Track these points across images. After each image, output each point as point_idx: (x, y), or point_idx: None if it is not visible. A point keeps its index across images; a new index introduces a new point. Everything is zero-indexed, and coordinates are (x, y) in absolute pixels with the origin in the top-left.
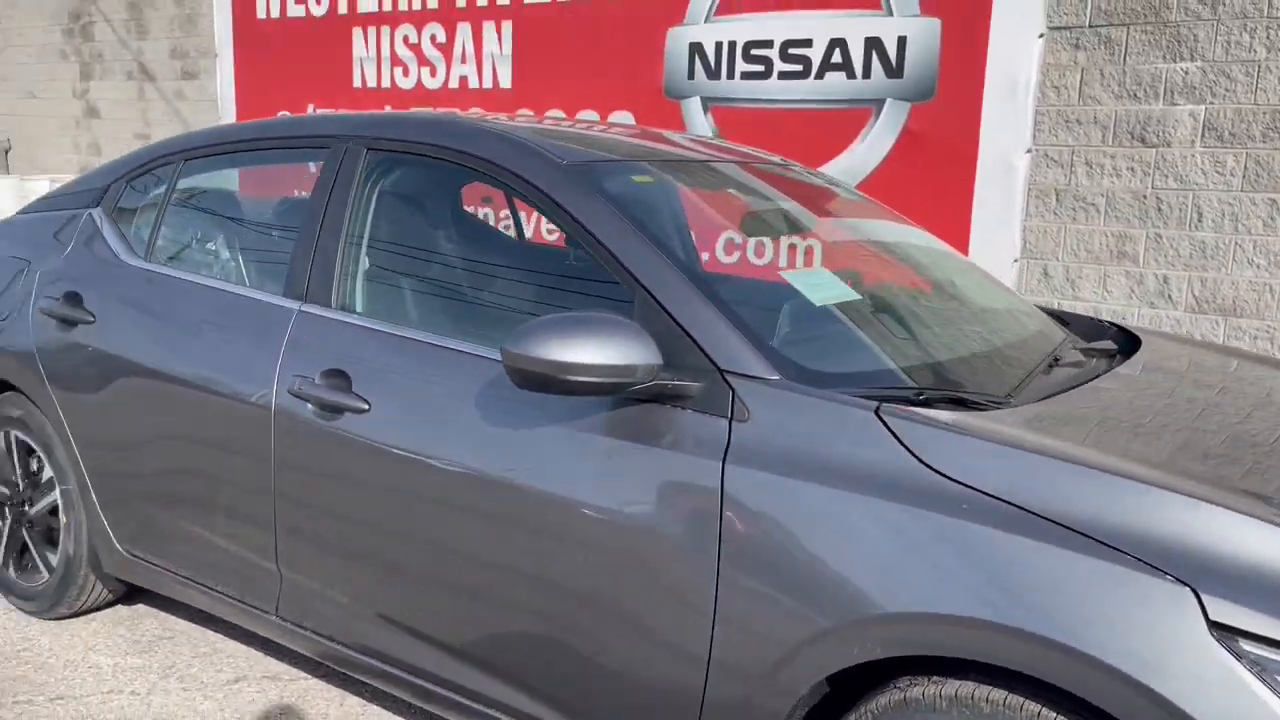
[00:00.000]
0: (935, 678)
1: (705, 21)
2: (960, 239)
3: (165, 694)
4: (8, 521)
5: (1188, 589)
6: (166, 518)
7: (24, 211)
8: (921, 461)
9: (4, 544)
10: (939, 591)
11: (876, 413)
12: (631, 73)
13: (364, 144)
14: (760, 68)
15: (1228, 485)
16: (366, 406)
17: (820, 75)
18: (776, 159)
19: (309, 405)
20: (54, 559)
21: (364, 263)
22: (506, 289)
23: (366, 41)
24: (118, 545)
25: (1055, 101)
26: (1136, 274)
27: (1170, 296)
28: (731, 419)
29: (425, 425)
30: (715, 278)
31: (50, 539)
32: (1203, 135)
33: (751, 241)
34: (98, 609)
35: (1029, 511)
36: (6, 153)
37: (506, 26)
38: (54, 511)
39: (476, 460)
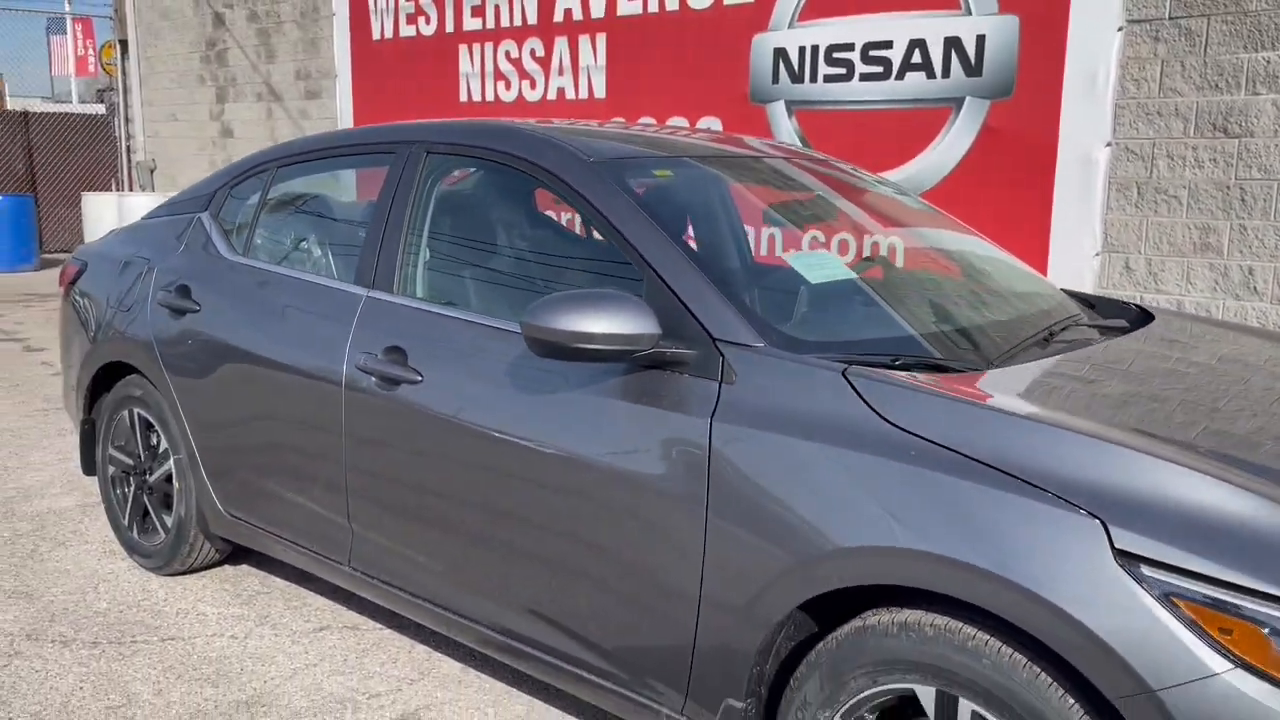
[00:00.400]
0: (892, 608)
1: (789, 27)
2: (1041, 234)
3: (260, 639)
4: (132, 488)
5: (1098, 521)
6: (260, 482)
7: (149, 216)
8: (880, 415)
9: (129, 508)
10: (890, 528)
11: (844, 374)
12: (718, 79)
13: (424, 148)
14: (842, 70)
15: (1159, 437)
16: (420, 378)
17: (901, 76)
18: (818, 155)
19: (372, 378)
20: (169, 521)
21: (423, 252)
22: (538, 272)
23: (472, 58)
24: (221, 508)
25: (1135, 94)
26: (1221, 266)
27: (1255, 288)
28: (721, 381)
29: (466, 393)
30: (719, 259)
31: (166, 504)
32: None
33: (773, 229)
34: (207, 567)
35: (969, 457)
36: (152, 172)
37: (601, 39)
38: (169, 479)
39: (506, 423)
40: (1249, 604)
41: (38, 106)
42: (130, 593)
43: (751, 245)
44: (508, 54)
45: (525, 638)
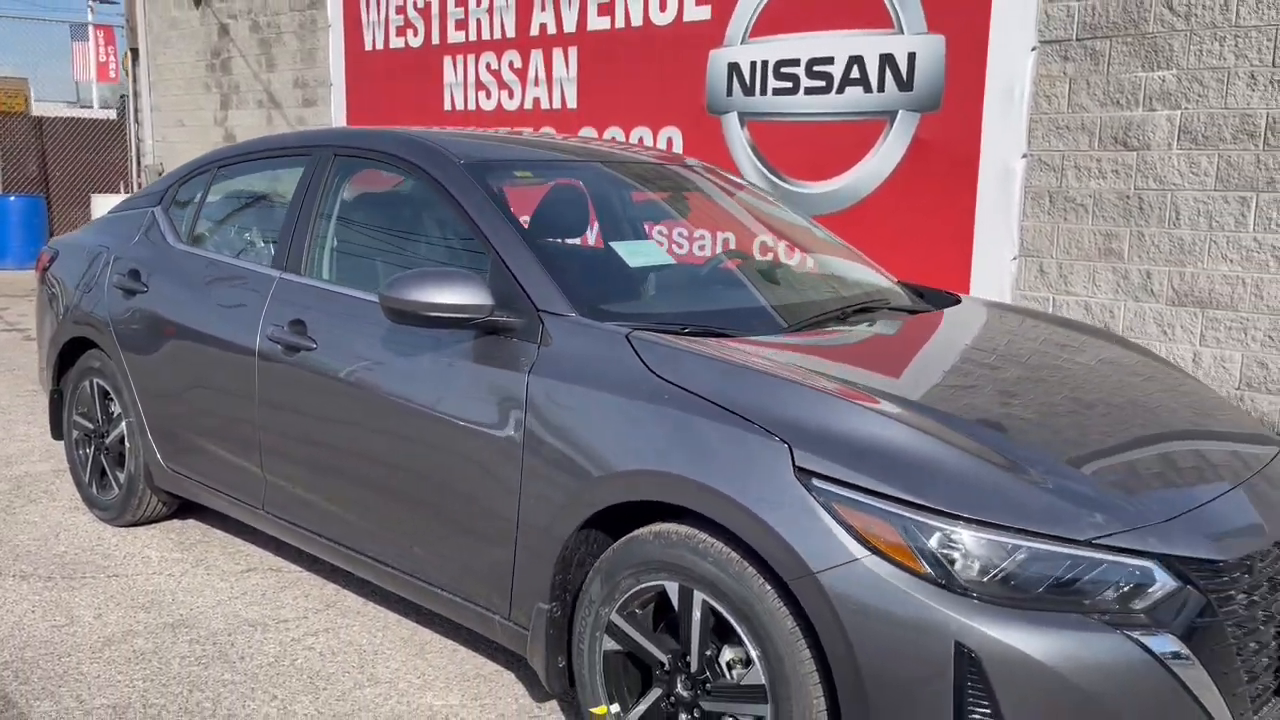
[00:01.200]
0: (654, 523)
1: (741, 43)
2: (965, 240)
3: (193, 577)
4: (91, 450)
5: (785, 445)
6: (194, 440)
7: (115, 210)
8: (649, 369)
9: (89, 468)
10: (644, 456)
11: (627, 337)
12: (679, 91)
13: (332, 151)
14: (789, 84)
15: (856, 384)
16: (314, 345)
17: (841, 90)
18: (693, 165)
19: (278, 346)
20: (122, 477)
21: (328, 239)
22: (414, 255)
23: (455, 68)
24: (163, 464)
25: (1047, 109)
26: (1122, 269)
27: (1153, 290)
28: (539, 344)
29: (348, 357)
30: (555, 245)
31: (120, 463)
32: (1179, 138)
33: (622, 221)
34: (155, 520)
35: (705, 399)
36: (160, 174)
37: (573, 51)
38: (122, 440)
39: (379, 382)
40: (886, 506)
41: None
42: (87, 539)
43: (594, 234)
44: (488, 65)
45: (395, 565)
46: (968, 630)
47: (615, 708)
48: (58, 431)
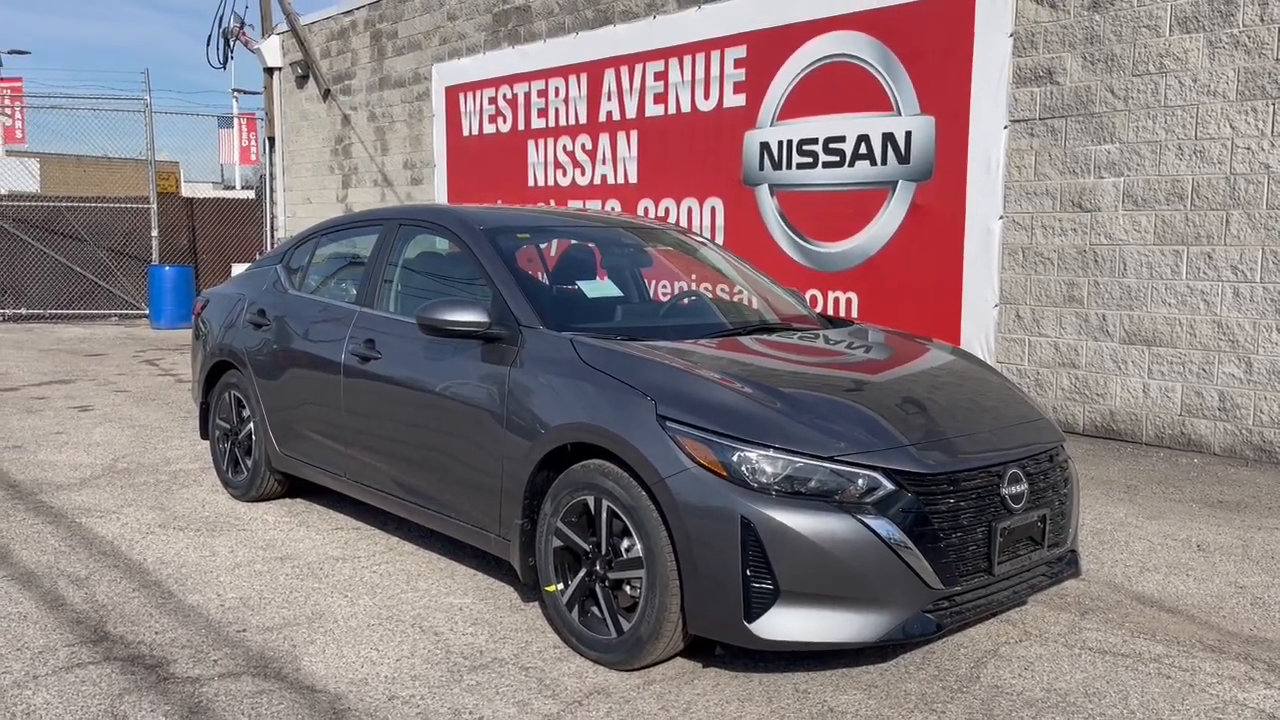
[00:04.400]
0: (582, 460)
1: (771, 125)
2: (955, 291)
3: (298, 531)
4: (228, 445)
5: (652, 401)
6: (300, 431)
7: (249, 268)
8: (582, 360)
9: (226, 458)
10: (574, 413)
11: (570, 341)
12: (720, 167)
13: (398, 221)
14: (810, 159)
15: (704, 366)
16: (380, 356)
17: (852, 164)
18: (661, 228)
19: (356, 359)
20: (249, 463)
21: (394, 283)
22: (444, 291)
23: (537, 150)
24: (278, 450)
25: (1018, 178)
26: (1083, 314)
27: (1108, 331)
28: (519, 347)
29: (401, 362)
30: (538, 284)
31: (248, 453)
32: (1123, 201)
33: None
34: (272, 498)
35: (611, 375)
36: None
37: (634, 135)
38: (249, 436)
39: (420, 378)
40: (706, 436)
41: (207, 191)
42: (224, 509)
43: (569, 278)
44: (564, 147)
45: (430, 506)
46: (748, 510)
47: (560, 585)
48: (205, 432)
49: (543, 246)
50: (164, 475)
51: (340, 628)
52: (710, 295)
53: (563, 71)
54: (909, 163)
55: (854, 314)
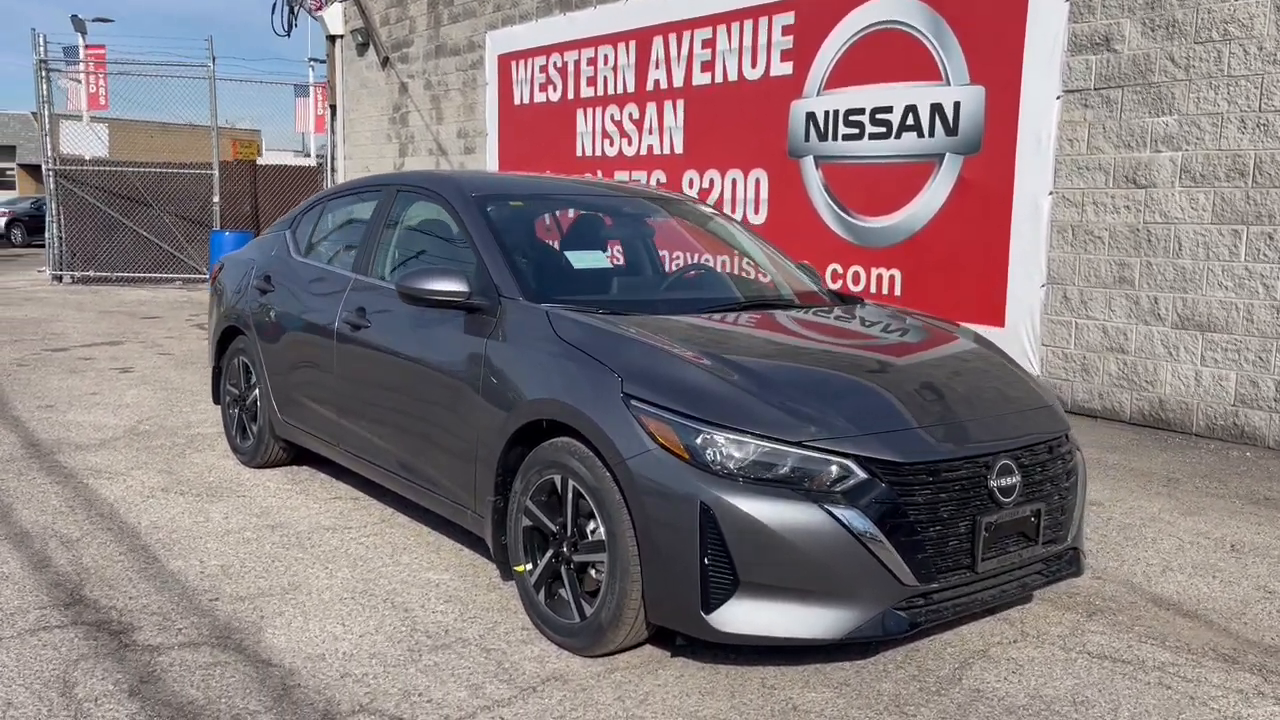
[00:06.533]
0: (552, 438)
1: (818, 95)
2: (1001, 268)
3: (296, 499)
4: (237, 410)
5: (619, 377)
6: (299, 398)
7: (263, 233)
8: (555, 332)
9: (235, 424)
10: (546, 388)
11: (545, 313)
12: (766, 138)
13: (396, 187)
14: (856, 131)
15: (677, 344)
16: (369, 325)
17: (898, 135)
18: (670, 196)
19: (348, 326)
20: (254, 429)
21: (390, 249)
22: (435, 258)
23: (586, 119)
24: (280, 416)
25: (1070, 151)
26: (1134, 296)
27: (1160, 315)
28: (497, 318)
29: (388, 330)
30: (523, 254)
31: (254, 419)
32: (1180, 177)
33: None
34: (277, 465)
35: (580, 349)
36: None
37: (680, 104)
38: (255, 401)
39: (405, 346)
40: (670, 417)
41: (288, 160)
42: (229, 474)
43: (559, 248)
44: (612, 117)
45: (414, 475)
46: (709, 495)
47: (529, 565)
48: (217, 397)
49: (540, 216)
50: (181, 439)
51: (313, 600)
52: (714, 268)
53: (612, 39)
54: (957, 135)
55: (896, 292)
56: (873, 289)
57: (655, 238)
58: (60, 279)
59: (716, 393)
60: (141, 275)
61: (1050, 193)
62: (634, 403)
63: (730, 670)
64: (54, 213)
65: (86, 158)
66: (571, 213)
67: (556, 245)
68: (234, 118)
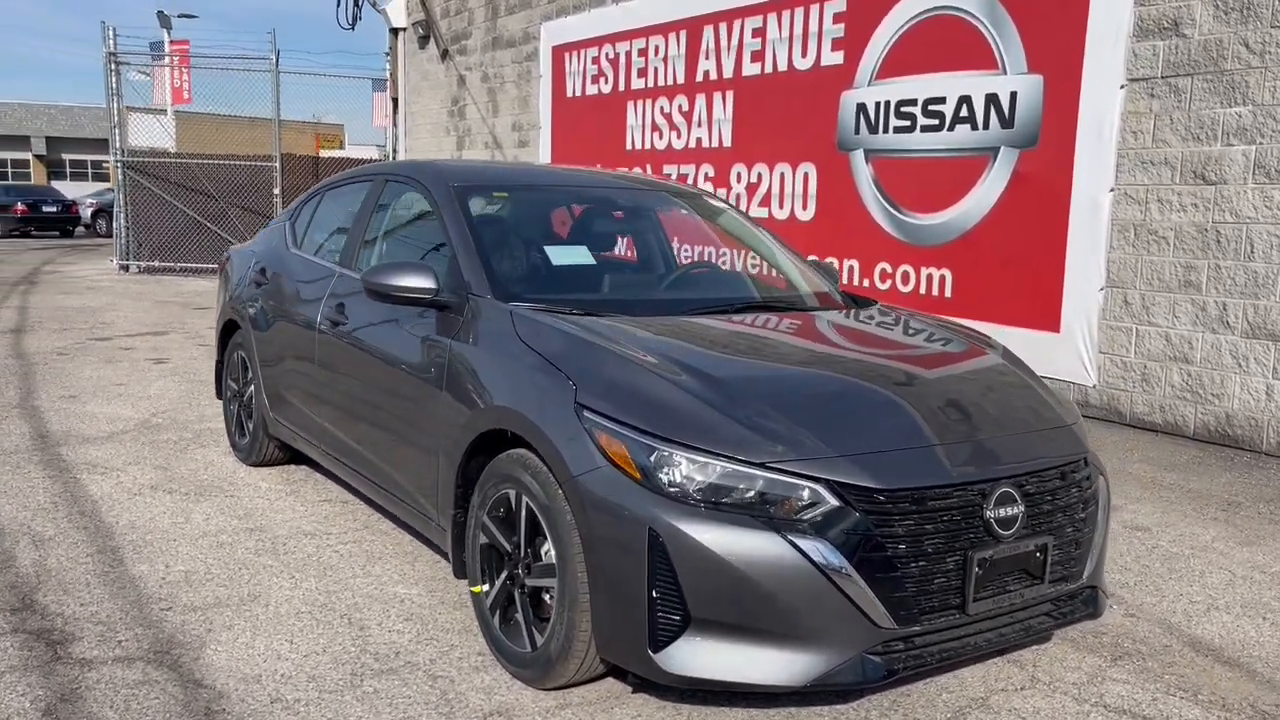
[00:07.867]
0: (511, 449)
1: (869, 85)
2: (1058, 269)
3: (284, 502)
4: (236, 406)
5: (573, 385)
6: (286, 396)
7: (270, 224)
8: (517, 334)
9: (234, 420)
10: (502, 394)
11: (510, 313)
12: (814, 131)
13: (385, 177)
14: (907, 123)
15: (632, 348)
16: (346, 321)
17: (951, 128)
18: (665, 185)
19: (329, 323)
20: (250, 426)
21: (375, 243)
22: (416, 251)
23: (635, 112)
24: (272, 415)
25: (1133, 145)
26: (1200, 301)
27: (1229, 323)
28: (464, 316)
29: (364, 326)
30: (497, 248)
31: (250, 415)
32: (1253, 173)
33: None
34: (274, 464)
35: (539, 353)
36: None
37: (729, 95)
38: (250, 398)
39: (378, 344)
40: (623, 431)
41: (373, 154)
42: (223, 473)
43: (539, 243)
44: (661, 109)
45: (388, 483)
46: (658, 521)
47: (486, 586)
48: (219, 392)
49: (525, 209)
50: (188, 434)
51: (268, 614)
52: (714, 266)
53: (663, 29)
54: (1013, 127)
55: (946, 293)
56: (922, 290)
57: (654, 233)
58: (126, 268)
59: (675, 405)
60: (204, 266)
61: (1111, 189)
62: (586, 414)
63: (695, 710)
64: (121, 204)
65: (157, 149)
66: (563, 206)
67: (540, 239)
68: (320, 112)
